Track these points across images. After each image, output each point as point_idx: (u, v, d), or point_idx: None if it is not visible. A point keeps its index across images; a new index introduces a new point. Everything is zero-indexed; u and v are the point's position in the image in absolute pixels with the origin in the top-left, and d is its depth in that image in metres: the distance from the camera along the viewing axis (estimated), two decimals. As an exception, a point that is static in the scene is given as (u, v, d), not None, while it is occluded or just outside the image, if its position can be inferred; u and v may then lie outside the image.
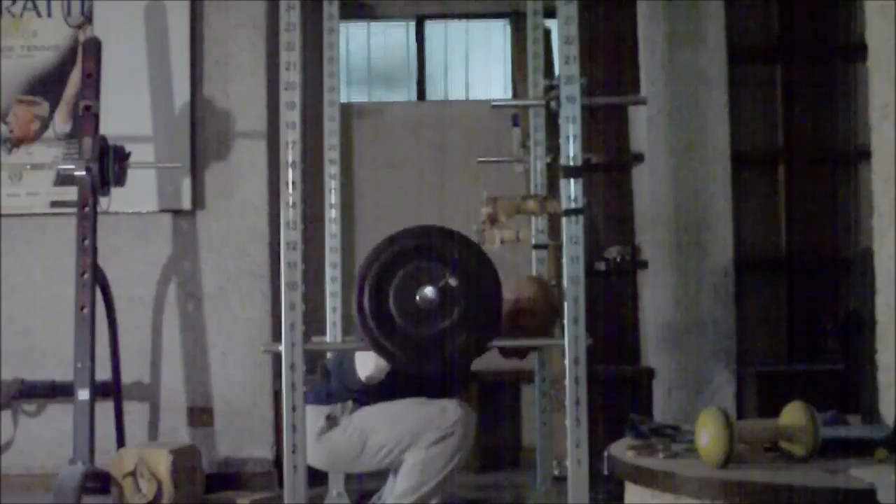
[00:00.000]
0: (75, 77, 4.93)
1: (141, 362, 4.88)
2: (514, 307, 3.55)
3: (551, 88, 3.83)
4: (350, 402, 3.51)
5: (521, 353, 3.75)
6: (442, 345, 2.97)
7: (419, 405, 3.47)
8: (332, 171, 4.26)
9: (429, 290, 2.95)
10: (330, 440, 3.50)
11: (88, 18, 4.99)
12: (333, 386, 3.55)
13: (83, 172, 4.44)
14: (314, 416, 3.39)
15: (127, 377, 4.73)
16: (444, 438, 3.41)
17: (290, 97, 3.04)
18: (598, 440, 2.93)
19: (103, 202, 4.54)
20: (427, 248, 3.02)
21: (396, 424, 3.46)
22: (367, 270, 3.01)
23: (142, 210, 4.93)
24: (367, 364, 3.32)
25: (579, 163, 3.03)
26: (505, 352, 3.60)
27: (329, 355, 4.06)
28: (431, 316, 2.97)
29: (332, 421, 3.50)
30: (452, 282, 2.95)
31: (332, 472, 3.96)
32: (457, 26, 6.14)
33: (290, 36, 3.04)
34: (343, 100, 4.96)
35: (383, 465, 3.62)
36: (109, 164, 4.47)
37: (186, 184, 4.93)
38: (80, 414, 4.23)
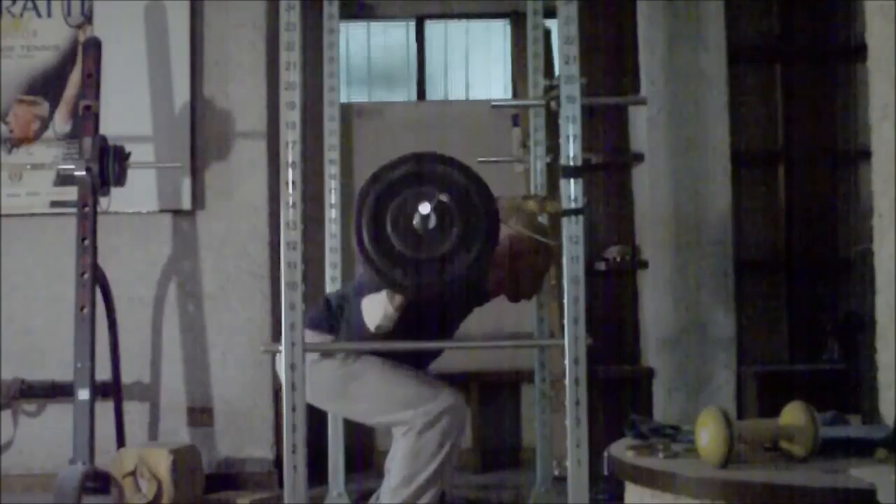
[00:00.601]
0: (75, 77, 4.93)
1: (141, 362, 4.88)
2: (510, 248, 3.52)
3: (551, 88, 3.83)
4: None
5: (527, 295, 3.74)
6: (442, 266, 2.98)
7: (417, 381, 3.42)
8: (332, 171, 4.27)
9: (423, 207, 2.95)
10: (318, 371, 3.35)
11: (88, 18, 4.99)
12: (336, 321, 3.47)
13: (83, 172, 4.44)
14: (310, 340, 3.32)
15: (127, 377, 4.73)
16: (432, 424, 3.35)
17: (290, 97, 3.04)
18: (598, 440, 2.92)
19: (103, 202, 4.54)
20: (421, 173, 3.03)
21: (388, 388, 3.40)
22: (363, 200, 3.01)
23: (142, 210, 4.93)
24: (376, 313, 3.26)
25: (579, 163, 3.03)
26: (513, 296, 3.65)
27: (328, 290, 4.04)
28: (430, 238, 2.98)
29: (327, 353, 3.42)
30: (444, 198, 2.96)
31: (316, 404, 3.70)
32: (457, 26, 6.14)
33: (290, 36, 3.04)
34: (343, 100, 4.95)
35: (357, 419, 3.60)
36: (109, 164, 4.47)
37: (186, 184, 4.93)
38: (80, 414, 4.23)
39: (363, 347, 3.40)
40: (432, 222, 2.97)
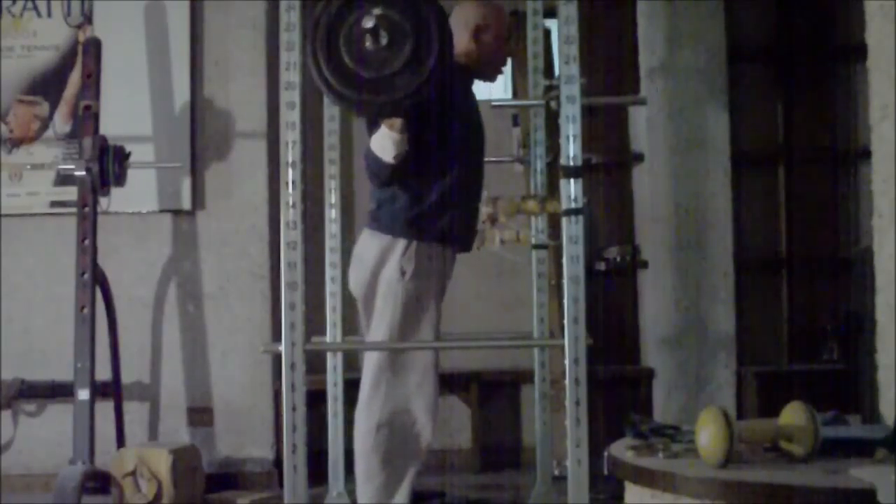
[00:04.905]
0: (75, 77, 4.93)
1: (141, 362, 4.88)
2: (474, 36, 3.56)
3: (551, 88, 3.83)
4: (413, 243, 3.37)
5: (500, 67, 3.73)
6: (395, 82, 2.97)
7: (424, 387, 3.37)
8: (332, 171, 4.27)
9: (367, 21, 2.93)
10: (374, 274, 3.38)
11: (88, 18, 4.99)
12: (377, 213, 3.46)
13: (83, 172, 4.45)
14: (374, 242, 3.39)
15: (127, 377, 4.73)
16: (393, 434, 3.34)
17: (290, 97, 3.04)
18: (598, 440, 2.93)
19: (103, 202, 4.54)
20: None
21: (400, 359, 3.36)
22: (317, 22, 3.00)
23: (142, 210, 4.93)
24: (386, 147, 3.22)
25: (579, 163, 3.04)
26: (487, 72, 3.66)
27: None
28: (383, 57, 2.97)
29: (382, 254, 3.38)
30: (377, 10, 2.94)
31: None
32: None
33: (290, 36, 3.04)
34: (343, 100, 4.95)
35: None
36: (109, 164, 4.47)
37: (186, 184, 4.93)
38: (80, 414, 4.24)
39: (365, 348, 3.40)
40: (383, 40, 2.96)
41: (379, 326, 3.38)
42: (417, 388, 3.36)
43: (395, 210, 3.38)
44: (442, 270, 3.44)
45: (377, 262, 3.38)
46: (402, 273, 3.34)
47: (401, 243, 3.36)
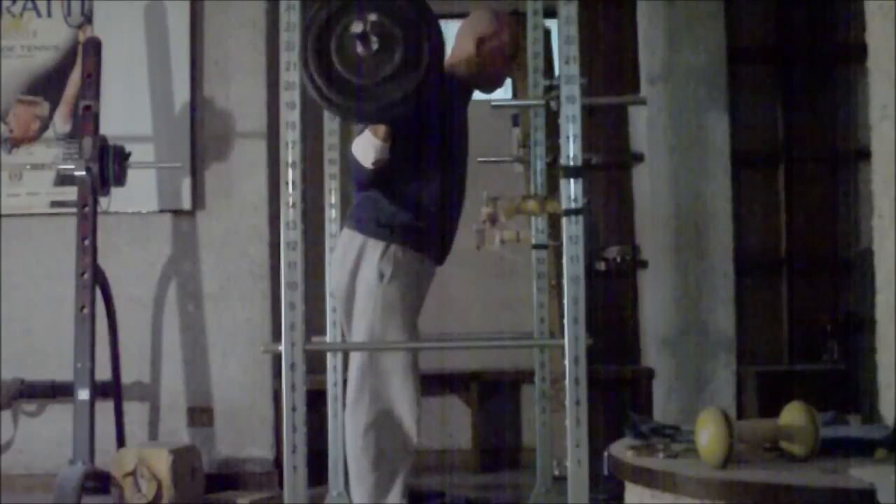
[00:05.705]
0: (75, 77, 4.93)
1: (141, 362, 4.88)
2: (478, 45, 3.57)
3: (551, 88, 3.83)
4: (392, 246, 3.38)
5: (500, 80, 3.74)
6: (385, 89, 2.98)
7: (405, 389, 3.38)
8: (332, 171, 4.27)
9: (356, 26, 2.93)
10: (353, 275, 3.40)
11: (88, 18, 4.99)
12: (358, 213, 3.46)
13: (83, 172, 4.45)
14: (351, 240, 3.40)
15: (127, 377, 4.73)
16: (383, 432, 3.36)
17: (290, 97, 3.04)
18: (598, 440, 2.93)
19: (103, 202, 4.54)
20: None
21: (385, 359, 3.36)
22: (309, 27, 3.01)
23: (142, 210, 4.93)
24: (367, 150, 3.26)
25: (579, 163, 3.03)
26: (487, 83, 3.68)
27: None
28: (373, 63, 2.98)
29: (360, 255, 3.39)
30: (372, 17, 2.93)
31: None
32: (457, 26, 6.12)
33: (290, 36, 3.04)
34: (343, 100, 4.95)
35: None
36: (109, 164, 4.48)
37: (186, 184, 4.93)
38: (80, 414, 4.24)
39: (365, 349, 3.40)
40: (374, 46, 2.96)
41: (359, 329, 3.39)
42: (399, 390, 3.37)
43: (374, 211, 3.39)
44: (420, 276, 3.44)
45: (355, 263, 3.39)
46: (381, 276, 3.35)
47: (378, 245, 3.37)
